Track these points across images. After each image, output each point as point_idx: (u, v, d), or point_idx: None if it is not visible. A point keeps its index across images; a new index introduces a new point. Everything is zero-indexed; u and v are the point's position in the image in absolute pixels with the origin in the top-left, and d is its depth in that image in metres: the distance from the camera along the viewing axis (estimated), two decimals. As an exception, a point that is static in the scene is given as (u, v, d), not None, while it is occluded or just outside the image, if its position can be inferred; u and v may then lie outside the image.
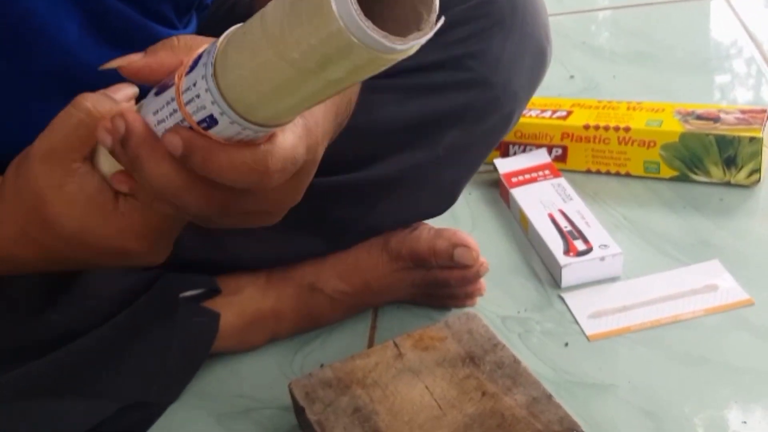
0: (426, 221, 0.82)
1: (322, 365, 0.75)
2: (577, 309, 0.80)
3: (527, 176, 0.96)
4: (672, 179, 0.96)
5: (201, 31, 0.78)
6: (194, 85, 0.37)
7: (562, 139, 0.99)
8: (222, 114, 0.37)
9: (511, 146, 1.02)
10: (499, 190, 0.99)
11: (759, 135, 0.90)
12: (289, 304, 0.80)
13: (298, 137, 0.42)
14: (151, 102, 0.42)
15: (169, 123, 0.40)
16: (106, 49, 0.66)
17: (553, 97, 1.07)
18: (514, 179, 0.96)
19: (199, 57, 0.38)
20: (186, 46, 0.43)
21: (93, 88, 0.66)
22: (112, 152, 0.43)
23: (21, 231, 0.48)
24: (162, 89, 0.41)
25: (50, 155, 0.46)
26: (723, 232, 0.88)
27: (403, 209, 0.80)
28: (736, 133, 0.91)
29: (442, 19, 0.33)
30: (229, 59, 0.35)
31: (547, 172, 0.96)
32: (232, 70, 0.35)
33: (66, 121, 0.46)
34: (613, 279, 0.83)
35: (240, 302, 0.78)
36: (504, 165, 0.98)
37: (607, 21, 1.41)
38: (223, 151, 0.39)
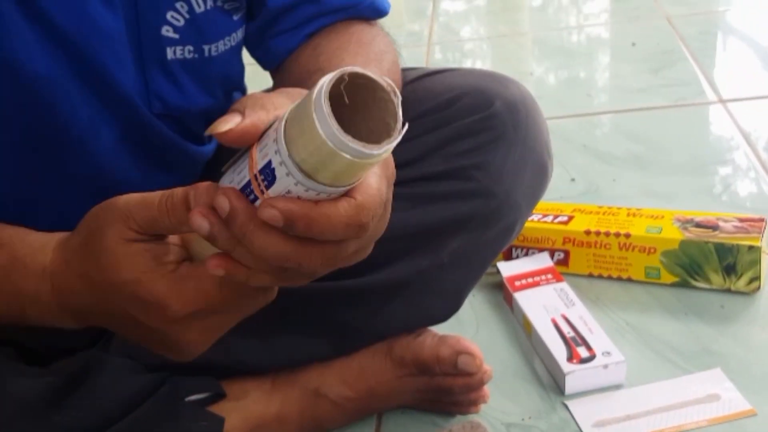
0: (430, 327, 0.83)
1: (325, 473, 0.75)
2: (581, 417, 0.80)
3: (530, 280, 0.97)
4: (673, 285, 0.97)
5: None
6: (269, 134, 0.42)
7: (564, 243, 1.01)
8: (281, 163, 0.41)
9: (514, 249, 1.04)
10: (502, 292, 1.00)
11: (757, 243, 0.92)
12: (293, 409, 0.80)
13: (378, 177, 0.45)
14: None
15: (237, 186, 0.44)
16: (138, 161, 0.69)
17: (555, 202, 1.10)
18: (517, 283, 0.97)
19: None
20: (270, 103, 0.45)
21: (122, 193, 0.69)
22: (209, 236, 0.45)
23: (83, 271, 0.52)
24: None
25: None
26: (725, 339, 0.89)
27: (407, 314, 0.81)
28: (735, 242, 0.93)
29: (407, 126, 0.40)
30: (291, 144, 0.40)
31: (549, 276, 0.98)
32: (295, 148, 0.40)
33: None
34: (616, 386, 0.84)
35: (245, 407, 0.78)
36: (507, 268, 1.00)
37: (608, 124, 1.45)
38: (323, 214, 0.42)
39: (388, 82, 0.41)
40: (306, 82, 0.64)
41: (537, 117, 0.83)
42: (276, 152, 0.40)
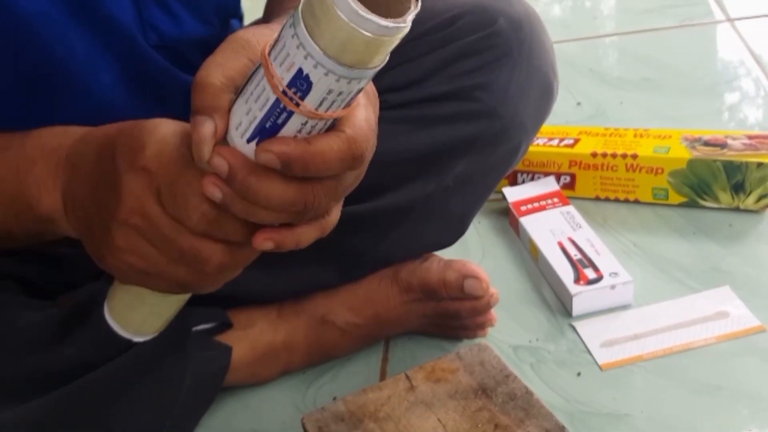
0: (436, 252, 0.83)
1: (334, 398, 0.75)
2: (588, 338, 0.80)
3: (536, 204, 0.96)
4: (681, 205, 0.96)
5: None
6: (284, 47, 0.40)
7: (570, 166, 1.00)
8: (316, 66, 0.39)
9: (519, 174, 1.02)
10: (508, 218, 0.99)
11: (766, 161, 0.90)
12: (300, 336, 0.80)
13: (364, 107, 0.45)
14: (237, 110, 0.44)
15: (259, 114, 0.42)
16: (137, 96, 0.68)
17: (561, 125, 1.08)
18: (523, 208, 0.96)
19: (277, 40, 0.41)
20: (228, 79, 0.44)
21: None
22: (222, 204, 0.45)
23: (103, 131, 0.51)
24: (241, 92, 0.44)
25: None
26: (733, 257, 0.88)
27: (413, 239, 0.81)
28: (744, 159, 0.91)
29: (419, 4, 0.39)
30: (309, 27, 0.39)
31: (555, 200, 0.97)
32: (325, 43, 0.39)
33: None
34: (624, 307, 0.83)
35: (252, 336, 0.78)
36: (513, 193, 0.99)
37: (613, 47, 1.42)
38: (318, 152, 0.42)
39: None
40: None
41: (542, 35, 0.81)
42: (306, 56, 0.39)
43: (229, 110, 0.44)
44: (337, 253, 0.79)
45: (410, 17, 0.39)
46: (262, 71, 0.42)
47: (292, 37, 0.40)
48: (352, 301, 0.81)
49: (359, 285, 0.81)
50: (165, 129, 0.48)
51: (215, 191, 0.44)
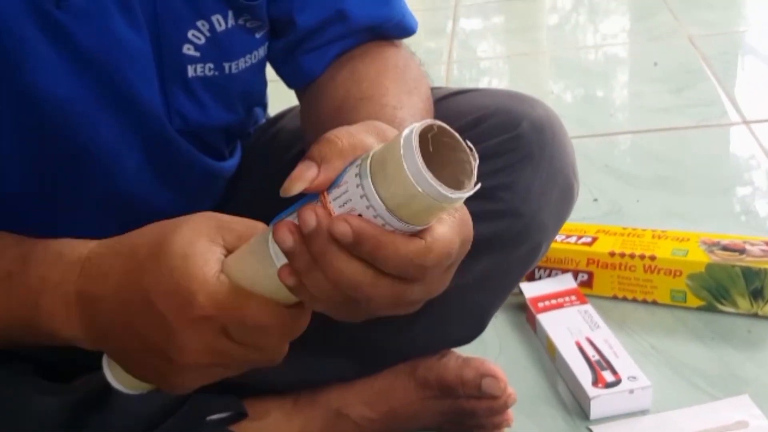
0: (454, 349, 0.82)
1: (347, 496, 0.74)
2: (606, 443, 0.79)
3: (553, 302, 0.96)
4: (699, 309, 0.96)
5: (245, 160, 0.82)
6: (346, 191, 0.43)
7: (587, 264, 1.00)
8: (368, 207, 0.42)
9: (537, 270, 1.03)
10: (525, 314, 0.99)
11: (785, 268, 0.91)
12: (315, 429, 0.79)
13: (454, 232, 0.45)
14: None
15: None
16: (159, 179, 0.69)
17: (578, 222, 1.09)
18: (540, 304, 0.96)
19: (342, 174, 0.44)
20: (350, 146, 0.45)
21: (146, 219, 0.69)
22: (289, 251, 0.45)
23: (128, 248, 0.52)
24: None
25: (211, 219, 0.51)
26: (752, 364, 0.88)
27: (431, 335, 0.80)
28: (763, 266, 0.91)
29: (479, 185, 0.41)
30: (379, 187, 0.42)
31: (573, 297, 0.97)
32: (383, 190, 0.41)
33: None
34: (642, 411, 0.82)
35: (266, 427, 0.78)
36: (530, 289, 0.99)
37: (630, 144, 1.44)
38: (391, 242, 0.43)
39: (470, 145, 0.42)
40: (352, 111, 0.64)
41: (563, 138, 0.82)
42: (362, 197, 0.41)
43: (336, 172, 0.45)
44: (354, 346, 0.79)
45: (470, 191, 0.41)
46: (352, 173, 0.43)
47: (357, 176, 0.42)
48: (368, 395, 0.80)
49: (376, 379, 0.80)
50: (202, 263, 0.48)
51: (287, 237, 0.44)
